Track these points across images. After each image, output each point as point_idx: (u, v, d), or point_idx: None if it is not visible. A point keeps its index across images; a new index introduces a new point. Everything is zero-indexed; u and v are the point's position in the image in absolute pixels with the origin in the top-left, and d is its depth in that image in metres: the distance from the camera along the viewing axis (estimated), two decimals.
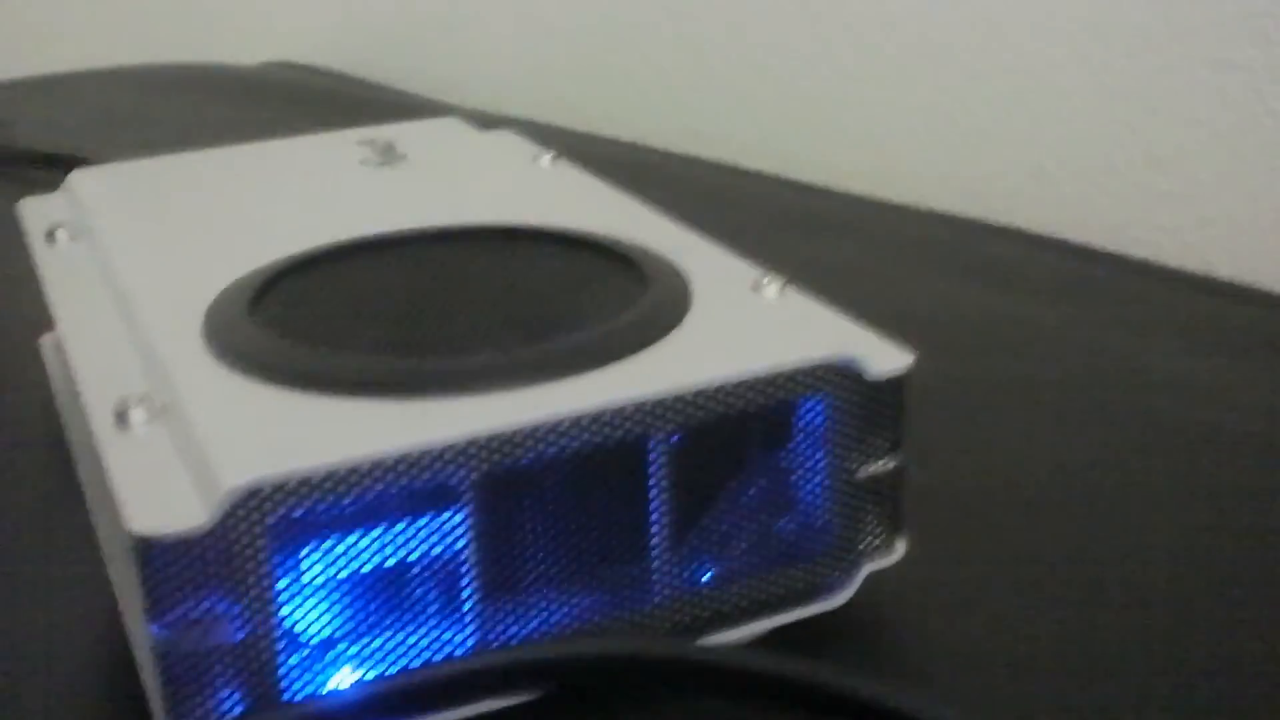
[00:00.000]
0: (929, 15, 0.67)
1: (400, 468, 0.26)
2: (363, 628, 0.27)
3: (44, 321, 0.44)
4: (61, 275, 0.37)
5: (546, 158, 0.44)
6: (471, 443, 0.26)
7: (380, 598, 0.27)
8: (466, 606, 0.28)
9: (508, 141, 0.48)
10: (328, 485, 0.26)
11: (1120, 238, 0.61)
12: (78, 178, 0.44)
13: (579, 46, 0.85)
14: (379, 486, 0.26)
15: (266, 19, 1.10)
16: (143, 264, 0.36)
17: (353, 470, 0.26)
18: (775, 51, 0.74)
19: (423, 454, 0.26)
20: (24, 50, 1.09)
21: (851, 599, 0.31)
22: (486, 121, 0.50)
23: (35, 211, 0.42)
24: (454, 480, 0.27)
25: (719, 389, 0.28)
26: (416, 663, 0.28)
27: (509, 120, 0.54)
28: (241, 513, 0.25)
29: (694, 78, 0.79)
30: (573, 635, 0.29)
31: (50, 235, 0.39)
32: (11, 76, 0.91)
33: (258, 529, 0.25)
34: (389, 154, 0.45)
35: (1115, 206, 0.62)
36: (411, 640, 0.28)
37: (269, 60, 1.00)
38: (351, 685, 0.27)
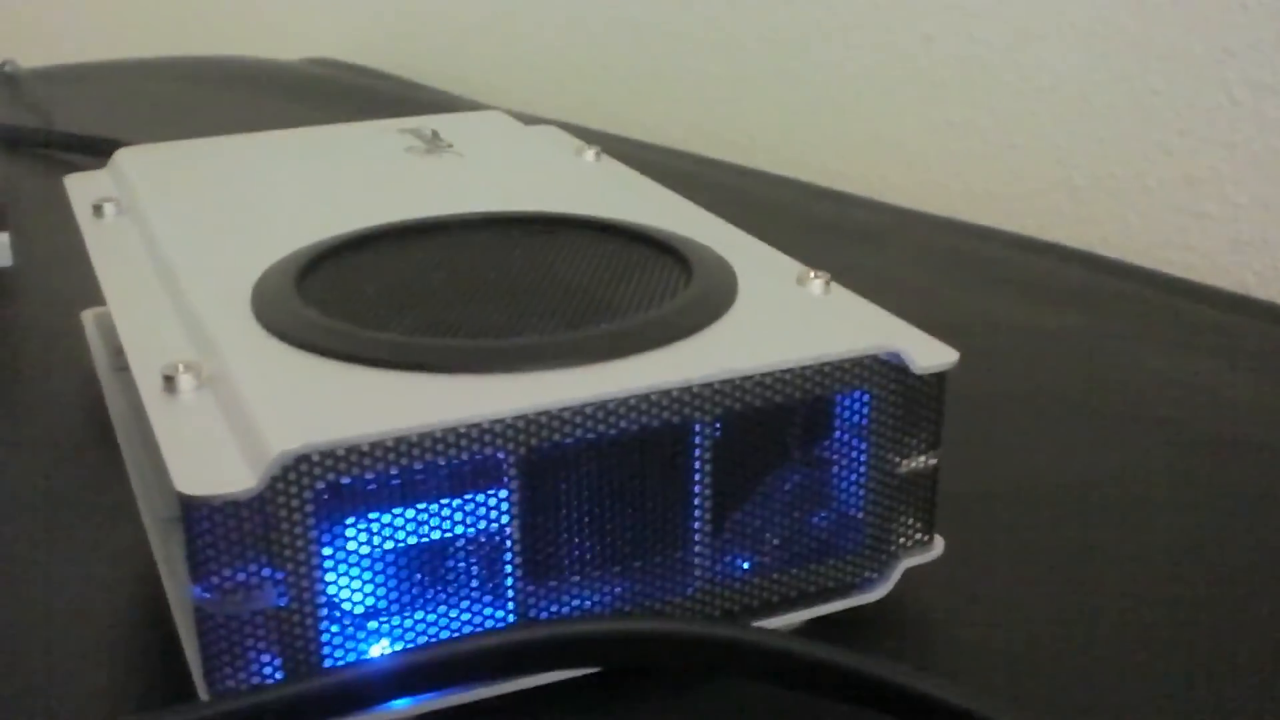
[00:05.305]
0: (966, 31, 0.67)
1: (447, 441, 0.26)
2: (403, 600, 0.27)
3: (84, 297, 0.44)
4: (108, 248, 0.37)
5: (590, 152, 0.45)
6: (519, 419, 0.27)
7: (422, 572, 0.28)
8: (506, 585, 0.28)
9: (551, 135, 0.48)
10: (376, 455, 0.26)
11: (1154, 257, 0.61)
12: (123, 156, 0.44)
13: (615, 52, 0.86)
14: (426, 459, 0.26)
15: (307, 16, 1.11)
16: (189, 239, 0.36)
17: (400, 441, 0.26)
18: (810, 63, 0.75)
19: (470, 428, 0.26)
20: (63, 39, 1.10)
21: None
22: (522, 121, 0.50)
23: (81, 187, 0.42)
24: (499, 457, 0.27)
25: (765, 376, 0.28)
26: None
27: (544, 121, 0.54)
28: (290, 478, 0.25)
29: (729, 87, 0.79)
30: (624, 614, 0.29)
31: (97, 209, 0.39)
32: (50, 64, 0.92)
33: (305, 495, 0.25)
34: (434, 142, 0.45)
35: (1149, 227, 0.62)
36: (450, 616, 0.28)
37: (309, 57, 1.00)
38: (389, 654, 0.27)
